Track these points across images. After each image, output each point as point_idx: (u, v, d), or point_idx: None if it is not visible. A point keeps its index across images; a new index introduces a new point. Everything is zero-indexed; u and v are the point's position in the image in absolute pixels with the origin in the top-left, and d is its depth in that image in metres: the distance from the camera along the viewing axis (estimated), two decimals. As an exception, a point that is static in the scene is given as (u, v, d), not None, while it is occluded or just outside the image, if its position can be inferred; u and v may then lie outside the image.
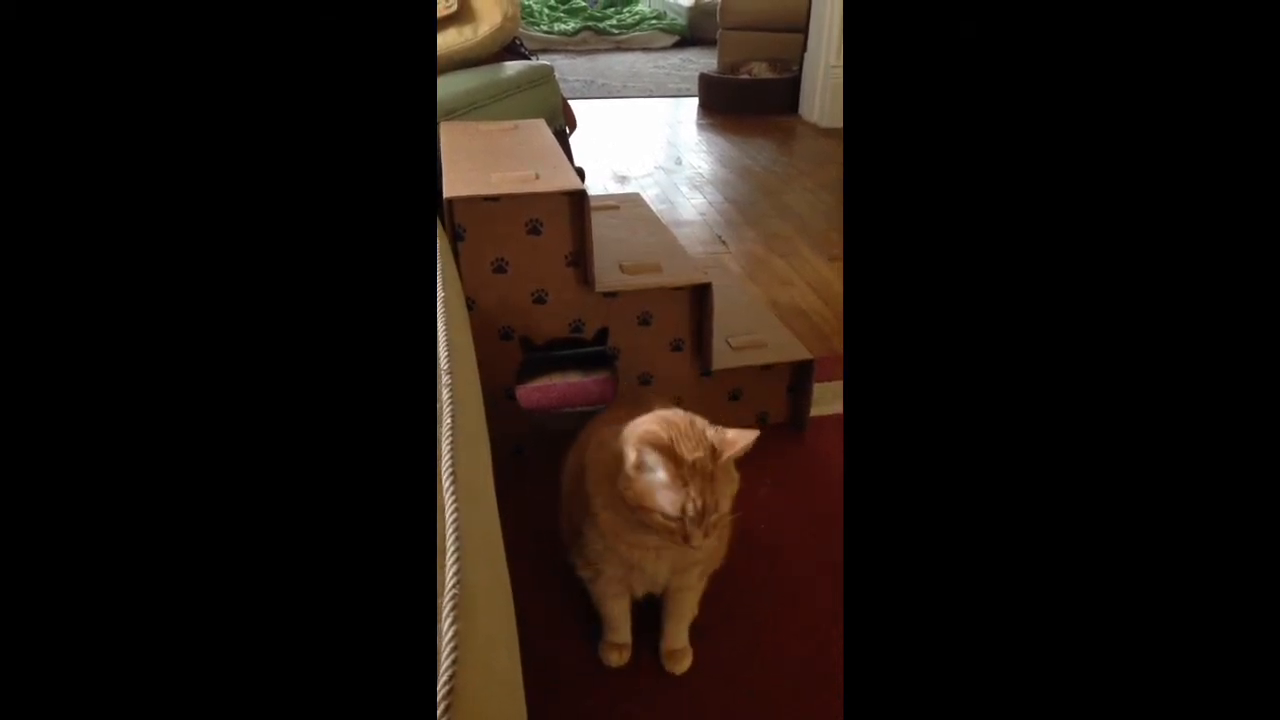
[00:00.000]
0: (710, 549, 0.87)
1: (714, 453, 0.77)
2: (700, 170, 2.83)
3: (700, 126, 3.46)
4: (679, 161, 2.93)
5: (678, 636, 0.95)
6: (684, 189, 2.63)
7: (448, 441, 0.50)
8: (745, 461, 0.81)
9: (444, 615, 0.37)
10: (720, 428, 0.80)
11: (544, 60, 2.00)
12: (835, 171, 2.79)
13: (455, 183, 1.10)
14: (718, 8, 3.81)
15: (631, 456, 0.77)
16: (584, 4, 5.44)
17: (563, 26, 5.04)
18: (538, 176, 1.13)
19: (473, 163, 1.19)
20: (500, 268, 1.13)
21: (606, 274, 1.19)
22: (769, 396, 1.36)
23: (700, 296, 1.22)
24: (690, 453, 0.76)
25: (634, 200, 1.54)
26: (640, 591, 0.92)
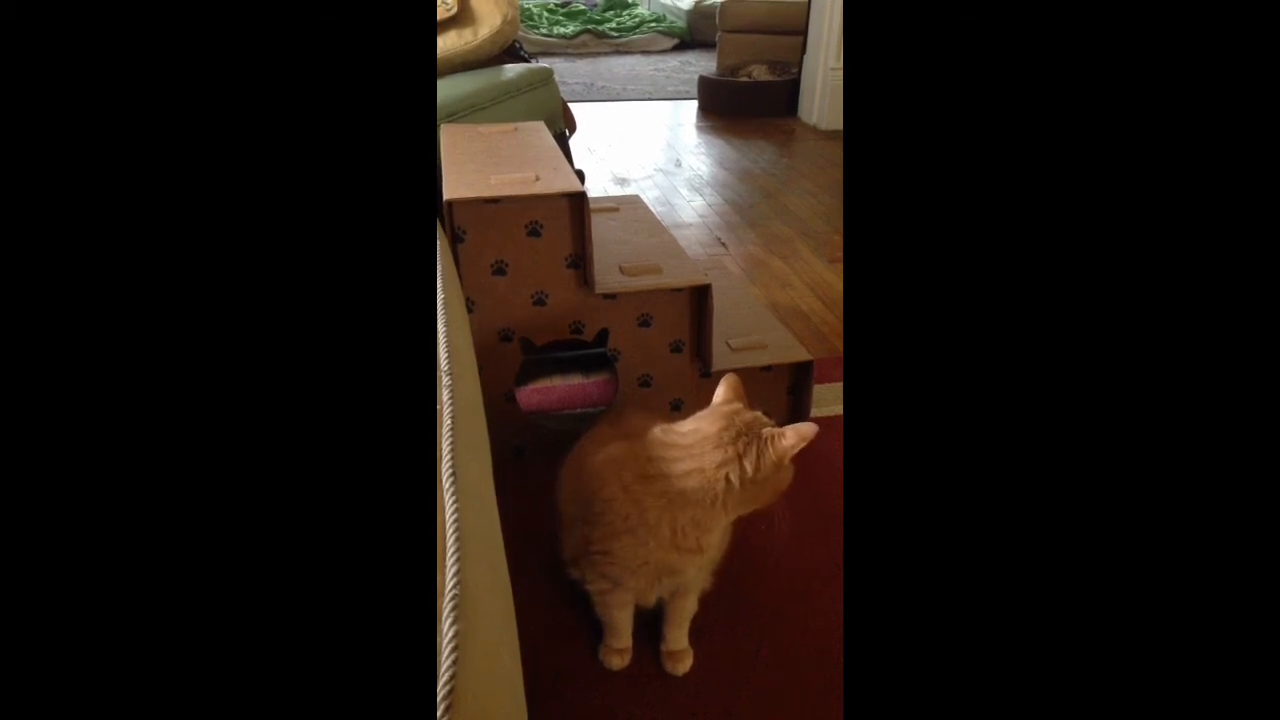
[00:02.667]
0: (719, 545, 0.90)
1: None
2: (700, 172, 2.83)
3: (700, 129, 3.46)
4: (679, 164, 2.93)
5: (678, 639, 0.95)
6: (684, 191, 2.63)
7: (448, 442, 0.50)
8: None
9: (444, 615, 0.37)
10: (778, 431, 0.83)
11: (544, 63, 2.01)
12: (835, 174, 2.79)
13: (455, 185, 1.10)
14: (717, 10, 3.82)
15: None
16: (583, 7, 5.45)
17: (562, 29, 5.04)
18: (537, 178, 1.13)
19: (473, 165, 1.19)
20: (500, 269, 1.13)
21: (606, 276, 1.19)
22: (769, 397, 1.36)
23: (700, 298, 1.22)
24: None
25: (634, 202, 1.54)
26: (653, 600, 0.92)
